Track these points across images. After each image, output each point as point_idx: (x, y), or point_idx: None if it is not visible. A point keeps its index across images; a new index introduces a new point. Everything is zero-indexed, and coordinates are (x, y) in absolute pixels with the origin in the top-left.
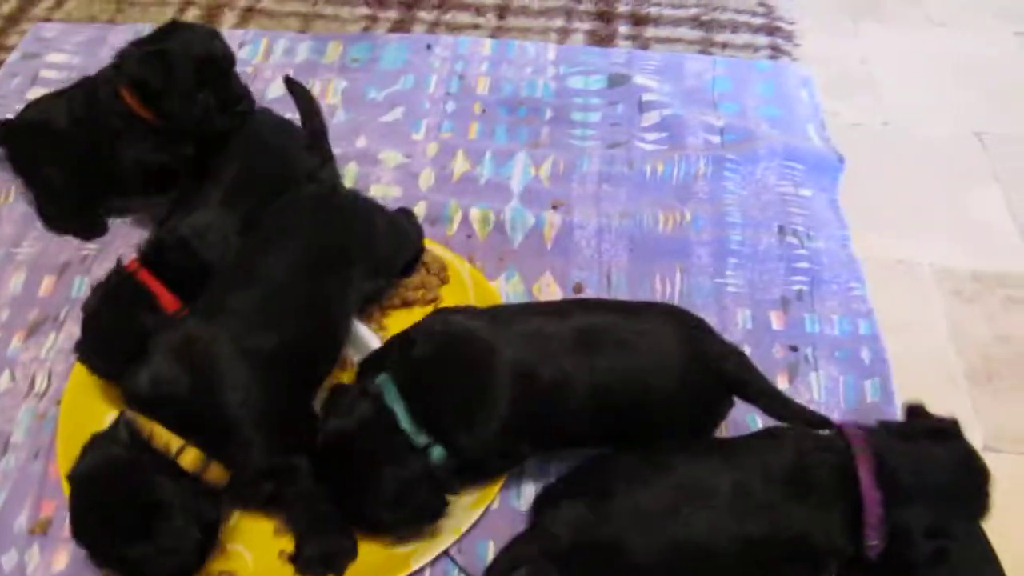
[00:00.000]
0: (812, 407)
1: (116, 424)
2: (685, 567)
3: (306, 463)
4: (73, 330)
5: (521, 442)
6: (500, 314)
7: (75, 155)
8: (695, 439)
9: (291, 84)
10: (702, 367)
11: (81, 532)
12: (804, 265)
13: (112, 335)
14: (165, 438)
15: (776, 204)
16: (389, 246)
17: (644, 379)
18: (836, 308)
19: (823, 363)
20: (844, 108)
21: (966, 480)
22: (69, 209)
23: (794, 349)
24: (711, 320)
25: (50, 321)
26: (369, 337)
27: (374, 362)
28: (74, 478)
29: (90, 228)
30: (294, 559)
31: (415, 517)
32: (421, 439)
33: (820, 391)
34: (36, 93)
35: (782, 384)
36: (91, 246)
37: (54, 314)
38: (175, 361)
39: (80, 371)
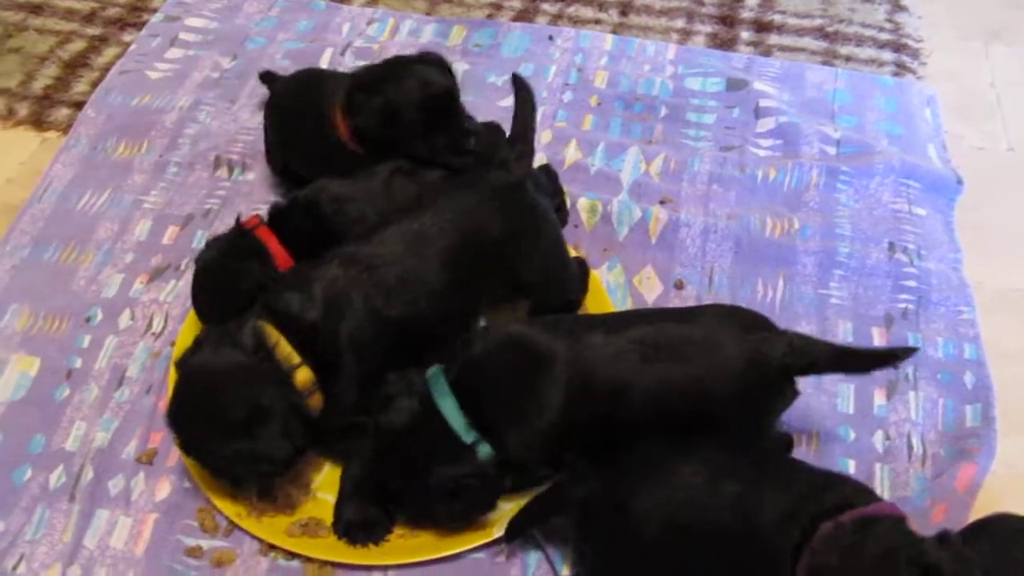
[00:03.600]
0: (908, 427)
1: (244, 326)
2: (675, 543)
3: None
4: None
5: (567, 450)
6: (560, 322)
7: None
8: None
9: (517, 80)
10: (761, 370)
11: (184, 418)
12: (912, 284)
13: (223, 285)
14: (287, 351)
15: (888, 220)
16: (542, 269)
17: (701, 387)
18: (942, 330)
19: (923, 384)
20: (968, 131)
21: None
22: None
23: (895, 367)
24: (811, 329)
25: (172, 268)
26: None
27: None
28: (187, 366)
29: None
30: (334, 524)
31: (469, 510)
32: (469, 436)
33: (918, 412)
34: (174, 54)
35: (879, 400)
36: (214, 200)
37: (176, 263)
38: (319, 294)
39: (195, 316)
